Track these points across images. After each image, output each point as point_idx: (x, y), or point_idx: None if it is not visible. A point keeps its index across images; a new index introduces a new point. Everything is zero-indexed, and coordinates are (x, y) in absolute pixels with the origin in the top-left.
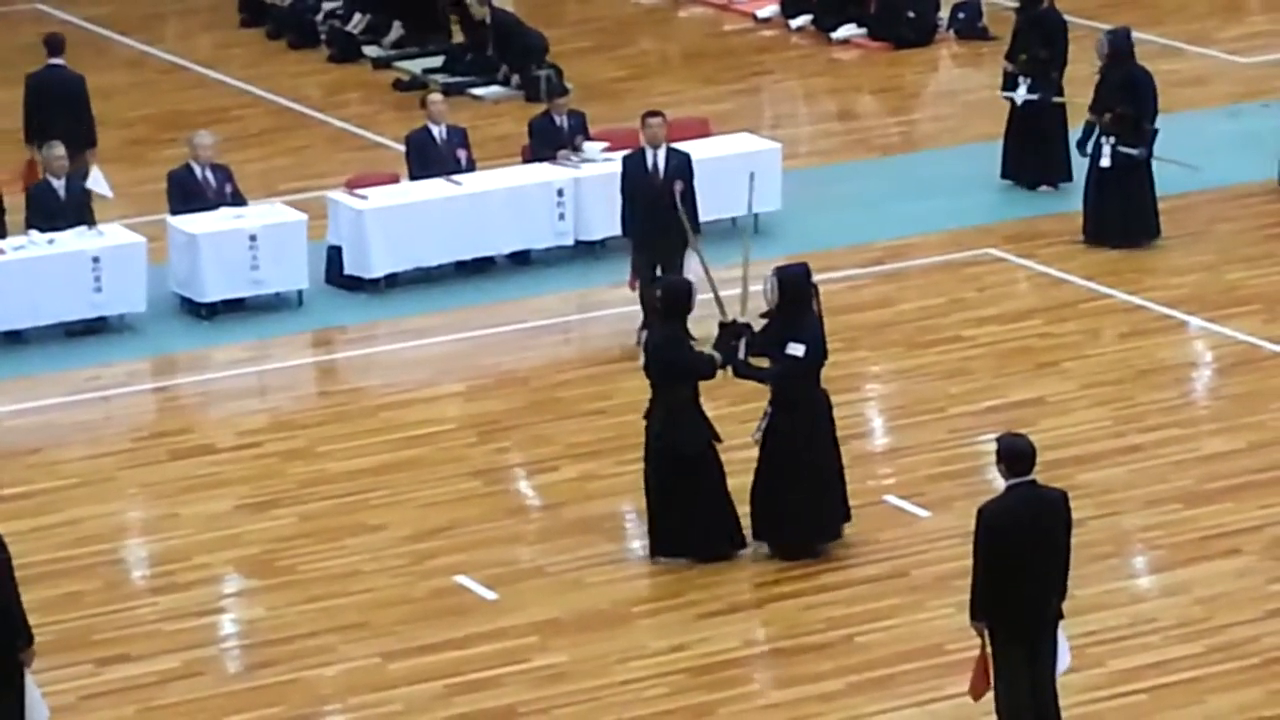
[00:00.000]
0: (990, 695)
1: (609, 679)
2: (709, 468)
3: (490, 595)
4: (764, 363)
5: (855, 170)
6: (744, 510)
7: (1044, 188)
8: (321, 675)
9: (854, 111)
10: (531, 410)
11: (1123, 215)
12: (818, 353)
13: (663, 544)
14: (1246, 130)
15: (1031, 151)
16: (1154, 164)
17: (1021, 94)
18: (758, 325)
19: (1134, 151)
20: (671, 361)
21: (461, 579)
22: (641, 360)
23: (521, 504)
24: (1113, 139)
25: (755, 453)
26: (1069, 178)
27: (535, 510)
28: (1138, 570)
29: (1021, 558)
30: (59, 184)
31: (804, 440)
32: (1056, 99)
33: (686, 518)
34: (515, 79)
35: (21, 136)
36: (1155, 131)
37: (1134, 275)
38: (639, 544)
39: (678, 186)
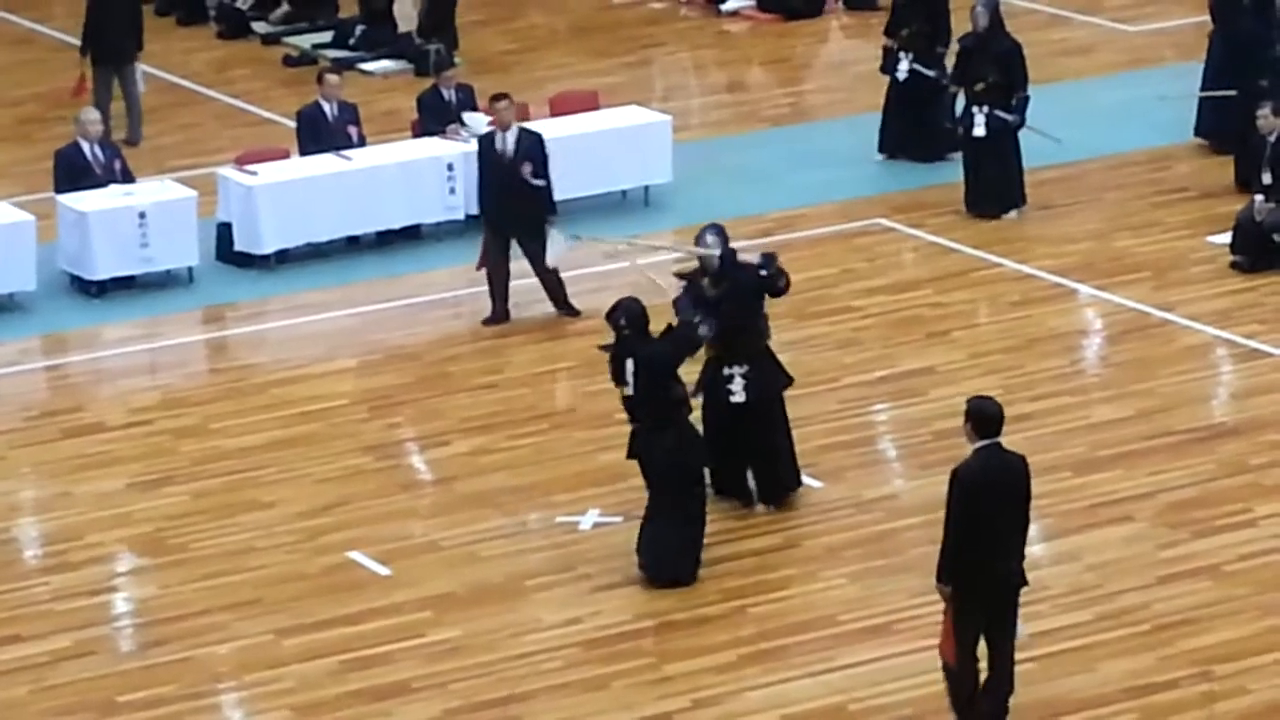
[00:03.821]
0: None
1: (503, 653)
2: (701, 487)
3: (384, 570)
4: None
5: (745, 142)
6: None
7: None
8: (215, 653)
9: (744, 83)
10: (423, 385)
11: (998, 184)
12: None
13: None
14: (1131, 99)
15: (914, 125)
16: (1020, 133)
17: (904, 69)
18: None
19: (1009, 118)
20: (667, 387)
21: (355, 555)
22: (629, 390)
23: (414, 479)
24: (987, 107)
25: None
26: (957, 149)
27: (428, 485)
28: (1028, 538)
29: (990, 520)
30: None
31: (781, 385)
32: (940, 75)
33: (674, 534)
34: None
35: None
36: (1027, 99)
37: (1023, 244)
38: (533, 517)
39: (526, 168)
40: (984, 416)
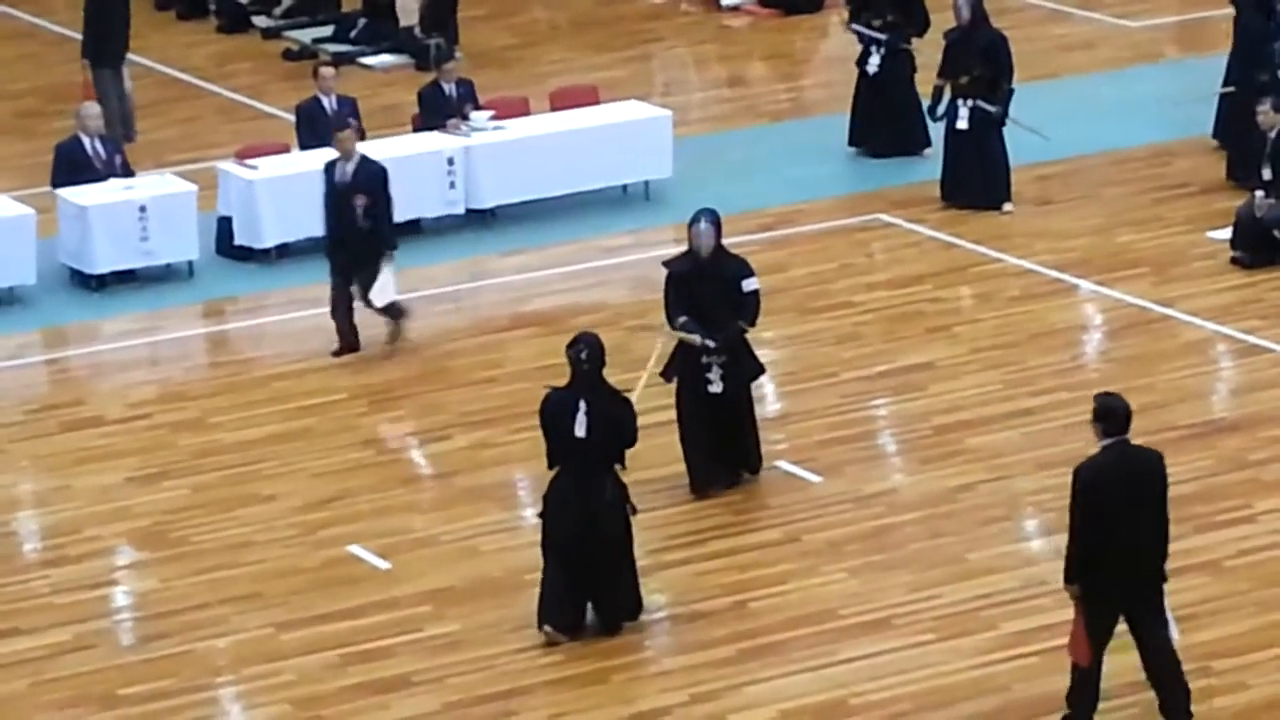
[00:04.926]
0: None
1: (503, 647)
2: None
3: (383, 564)
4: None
5: (746, 137)
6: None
7: (927, 151)
8: (214, 647)
9: (744, 78)
10: (422, 379)
11: (980, 177)
12: None
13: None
14: (1132, 95)
15: (886, 119)
16: (1006, 129)
17: (875, 62)
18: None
19: (991, 109)
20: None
21: (354, 549)
22: (581, 429)
23: (413, 473)
24: (970, 101)
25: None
26: (929, 143)
27: (427, 479)
28: (1029, 533)
29: (1117, 517)
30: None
31: (753, 373)
32: (905, 47)
33: (624, 580)
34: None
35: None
36: (1011, 92)
37: (1024, 239)
38: (531, 511)
39: (359, 200)
40: (1111, 413)
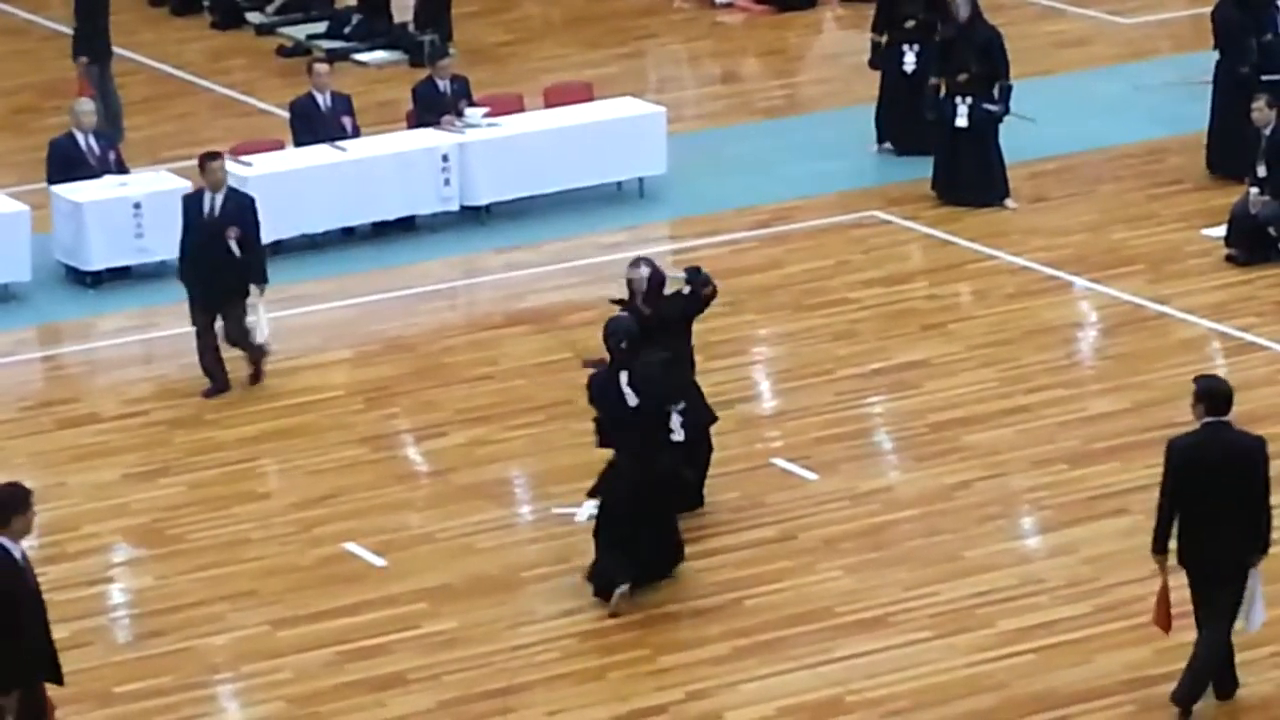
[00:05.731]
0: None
1: (499, 644)
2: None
3: (380, 562)
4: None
5: (740, 133)
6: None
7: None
8: (211, 644)
9: (738, 75)
10: (418, 376)
11: (979, 174)
12: None
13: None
14: (1126, 92)
15: (915, 118)
16: (1000, 124)
17: (911, 61)
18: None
19: (994, 108)
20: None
21: (351, 546)
22: (633, 398)
23: (410, 470)
24: (968, 99)
25: None
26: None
27: (424, 476)
28: (1025, 531)
29: (1201, 496)
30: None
31: (707, 420)
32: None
33: (640, 539)
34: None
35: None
36: (1010, 89)
37: (1019, 236)
38: (528, 509)
39: (231, 233)
40: (1211, 394)
